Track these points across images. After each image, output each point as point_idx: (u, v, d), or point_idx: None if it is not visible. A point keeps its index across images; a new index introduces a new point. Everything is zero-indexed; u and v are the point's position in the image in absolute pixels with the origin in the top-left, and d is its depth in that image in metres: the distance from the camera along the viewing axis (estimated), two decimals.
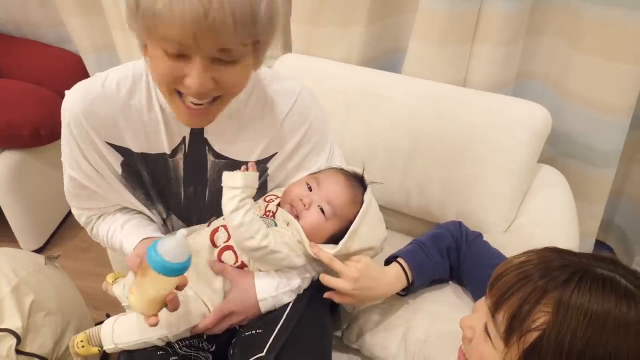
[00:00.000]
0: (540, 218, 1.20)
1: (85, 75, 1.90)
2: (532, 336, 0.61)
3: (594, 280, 0.61)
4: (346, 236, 0.92)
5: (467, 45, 1.37)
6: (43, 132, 1.73)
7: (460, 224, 1.06)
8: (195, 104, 0.78)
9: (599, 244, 1.77)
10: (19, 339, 1.08)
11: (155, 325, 0.80)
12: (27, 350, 1.10)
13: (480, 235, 1.05)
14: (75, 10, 1.70)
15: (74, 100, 0.89)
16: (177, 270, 0.74)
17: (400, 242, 1.11)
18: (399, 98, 1.34)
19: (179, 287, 0.80)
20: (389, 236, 1.03)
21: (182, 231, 0.74)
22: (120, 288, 1.08)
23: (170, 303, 0.80)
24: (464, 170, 1.26)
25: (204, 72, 0.73)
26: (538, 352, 0.61)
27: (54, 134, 1.79)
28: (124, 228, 0.98)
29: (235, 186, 0.87)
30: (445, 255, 1.00)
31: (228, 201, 0.88)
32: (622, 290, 0.60)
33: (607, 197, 1.52)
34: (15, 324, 1.09)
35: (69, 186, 0.98)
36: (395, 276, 0.96)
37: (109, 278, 1.11)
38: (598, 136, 1.39)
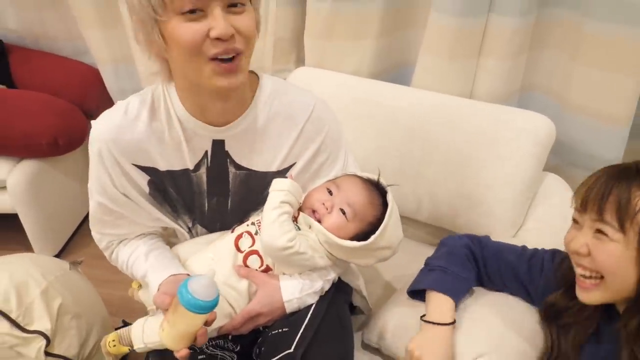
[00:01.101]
0: (546, 223, 1.26)
1: (101, 86, 1.95)
2: None
3: None
4: (378, 231, 0.97)
5: (474, 58, 1.43)
6: (61, 142, 1.77)
7: (467, 237, 1.09)
8: (224, 60, 0.84)
9: None
10: (48, 341, 1.12)
11: (185, 357, 0.85)
12: (55, 352, 1.14)
13: (487, 237, 1.10)
14: (95, 24, 1.76)
15: (101, 130, 0.95)
16: (207, 308, 0.81)
17: (415, 249, 1.16)
18: (410, 109, 1.40)
19: (208, 323, 0.86)
20: (404, 243, 1.07)
21: (211, 271, 0.82)
22: (146, 293, 1.12)
23: (200, 337, 0.86)
24: (473, 178, 1.32)
25: (224, 19, 0.81)
26: None
27: (72, 144, 1.84)
28: (148, 259, 1.02)
29: (281, 189, 0.97)
30: (468, 267, 1.04)
31: (270, 200, 0.96)
32: None
33: None
34: (45, 325, 1.13)
35: (95, 212, 1.02)
36: (443, 311, 0.98)
37: (135, 284, 1.15)
38: (599, 145, 1.44)
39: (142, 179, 0.99)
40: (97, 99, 1.97)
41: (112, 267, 1.88)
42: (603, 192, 0.80)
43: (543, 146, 1.30)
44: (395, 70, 1.63)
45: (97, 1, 1.73)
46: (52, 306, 1.17)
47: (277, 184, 0.99)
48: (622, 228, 0.78)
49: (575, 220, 0.86)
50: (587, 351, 0.90)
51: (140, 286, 1.14)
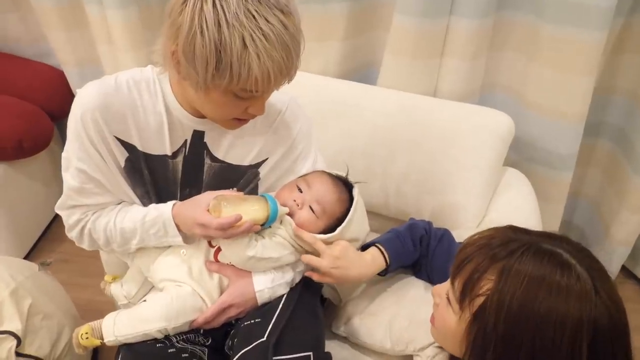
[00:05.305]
0: (507, 214, 1.31)
1: (67, 88, 1.93)
2: (479, 300, 0.69)
3: (536, 252, 0.68)
4: (343, 224, 1.00)
5: (436, 58, 1.49)
6: (26, 145, 1.75)
7: (429, 223, 1.14)
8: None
9: None
10: (19, 341, 1.11)
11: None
12: (26, 352, 1.13)
13: (446, 230, 1.12)
14: (59, 25, 1.74)
15: (90, 95, 0.94)
16: (274, 217, 0.96)
17: None
18: (376, 107, 1.44)
19: (255, 227, 0.94)
20: (371, 237, 1.11)
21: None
22: (118, 287, 1.13)
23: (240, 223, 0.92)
24: (438, 171, 1.37)
25: (264, 102, 0.91)
26: (483, 314, 0.69)
27: (37, 147, 1.82)
28: (140, 209, 1.03)
29: None
30: (418, 245, 1.08)
31: None
32: (560, 261, 0.67)
33: (566, 198, 1.65)
34: (16, 326, 1.12)
35: (74, 182, 0.99)
36: (372, 259, 1.03)
37: (108, 278, 1.15)
38: (556, 141, 1.52)
39: (121, 154, 0.99)
40: (62, 102, 1.94)
41: (77, 271, 1.89)
42: (467, 256, 0.73)
43: (503, 141, 1.35)
44: (360, 70, 1.67)
45: (60, 2, 1.71)
46: (22, 306, 1.16)
47: None
48: (460, 303, 0.73)
49: None
50: None
51: (113, 279, 1.15)
